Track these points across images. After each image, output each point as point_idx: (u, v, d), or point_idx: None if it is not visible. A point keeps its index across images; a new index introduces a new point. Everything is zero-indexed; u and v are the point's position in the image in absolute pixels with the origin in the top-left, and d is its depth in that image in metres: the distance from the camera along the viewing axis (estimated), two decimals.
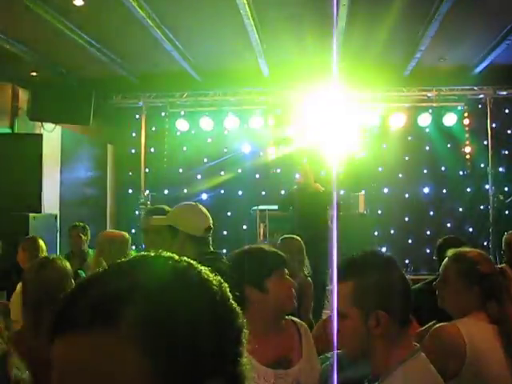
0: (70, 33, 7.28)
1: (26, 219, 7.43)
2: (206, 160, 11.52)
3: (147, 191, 11.04)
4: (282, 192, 9.91)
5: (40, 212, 7.98)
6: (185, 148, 11.71)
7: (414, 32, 7.62)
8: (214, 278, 0.95)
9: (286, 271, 2.58)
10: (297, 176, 8.21)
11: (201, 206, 3.43)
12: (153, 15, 6.89)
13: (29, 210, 7.67)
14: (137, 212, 10.94)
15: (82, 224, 7.10)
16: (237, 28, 7.29)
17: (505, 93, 10.29)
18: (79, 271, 6.06)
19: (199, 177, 11.69)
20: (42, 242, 5.66)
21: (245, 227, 11.26)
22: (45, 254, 5.58)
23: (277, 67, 9.29)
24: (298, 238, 5.63)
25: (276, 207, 9.16)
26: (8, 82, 8.81)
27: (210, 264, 2.78)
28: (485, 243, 10.76)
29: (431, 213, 11.36)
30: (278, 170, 11.04)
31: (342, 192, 8.55)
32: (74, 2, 6.31)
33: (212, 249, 3.40)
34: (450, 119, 10.46)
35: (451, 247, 4.15)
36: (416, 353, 1.89)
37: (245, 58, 8.45)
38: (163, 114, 11.20)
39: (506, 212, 10.43)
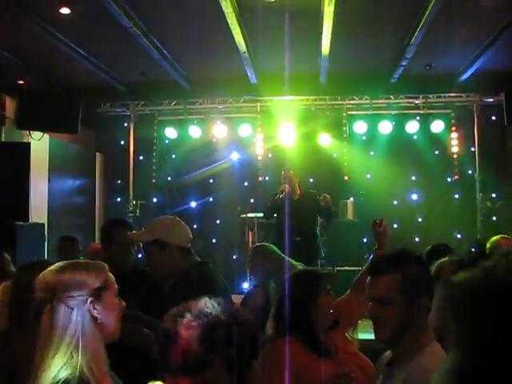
0: (56, 41, 7.27)
1: (13, 228, 7.40)
2: (194, 168, 11.50)
3: (136, 200, 11.00)
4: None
5: (27, 221, 7.94)
6: (173, 156, 11.71)
7: (400, 40, 7.66)
8: None
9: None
10: (285, 185, 8.16)
11: (178, 219, 3.44)
12: (140, 24, 6.89)
13: (16, 218, 7.64)
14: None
15: (72, 236, 6.98)
16: (224, 37, 7.30)
17: (491, 100, 10.36)
18: None
19: (188, 185, 11.67)
20: (6, 255, 5.60)
21: (234, 235, 11.24)
22: (11, 266, 5.54)
23: (264, 76, 9.31)
24: (270, 245, 5.63)
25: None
26: None
27: (209, 274, 2.75)
28: (472, 249, 10.79)
29: (420, 219, 11.40)
30: (267, 178, 11.04)
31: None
32: (61, 11, 6.30)
33: (197, 257, 3.43)
34: (437, 126, 10.51)
35: (439, 254, 4.19)
36: (433, 339, 2.15)
37: (232, 67, 8.47)
38: (151, 122, 11.19)
39: (494, 218, 10.48)
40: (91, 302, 1.97)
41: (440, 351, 2.13)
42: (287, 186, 8.13)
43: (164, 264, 3.22)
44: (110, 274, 2.11)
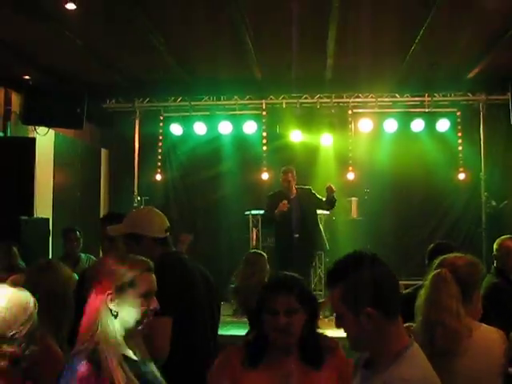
0: (62, 37, 7.28)
1: (17, 222, 7.43)
2: (199, 164, 11.52)
3: (140, 195, 11.01)
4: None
5: (32, 216, 7.98)
6: (178, 152, 11.75)
7: (406, 38, 7.64)
8: None
9: None
10: (285, 203, 8.15)
11: (153, 208, 3.49)
12: (145, 20, 6.89)
13: (21, 213, 7.67)
14: None
15: (77, 228, 7.15)
16: (230, 33, 7.31)
17: (497, 98, 10.33)
18: (74, 274, 6.09)
19: (192, 181, 11.69)
20: (14, 249, 5.65)
21: (238, 232, 11.26)
22: (19, 259, 5.59)
23: (270, 73, 9.31)
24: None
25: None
26: (0, 85, 8.81)
27: (181, 261, 2.75)
28: (477, 248, 10.78)
29: (424, 218, 11.38)
30: (272, 175, 11.03)
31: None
32: (66, 6, 6.30)
33: (173, 248, 3.49)
34: (443, 125, 10.51)
35: (442, 253, 4.19)
36: (411, 345, 2.09)
37: (238, 64, 8.47)
38: (157, 118, 11.20)
39: (499, 217, 10.45)
40: (109, 294, 2.21)
41: (416, 359, 2.08)
42: (286, 203, 8.10)
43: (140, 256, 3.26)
44: (146, 274, 2.32)
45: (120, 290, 2.24)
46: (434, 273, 2.83)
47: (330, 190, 8.18)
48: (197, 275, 3.35)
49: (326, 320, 9.03)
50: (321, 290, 10.07)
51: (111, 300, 2.22)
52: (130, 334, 2.28)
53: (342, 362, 2.67)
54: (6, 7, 6.34)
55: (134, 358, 2.28)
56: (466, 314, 2.73)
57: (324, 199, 8.31)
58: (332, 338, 2.78)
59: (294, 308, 2.62)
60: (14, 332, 1.80)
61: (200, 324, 3.23)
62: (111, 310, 2.21)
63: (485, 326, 2.81)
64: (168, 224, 3.40)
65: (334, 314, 2.16)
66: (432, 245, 4.69)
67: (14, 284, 4.62)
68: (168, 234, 3.38)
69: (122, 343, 2.23)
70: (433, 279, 2.79)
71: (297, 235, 8.19)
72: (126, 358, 2.22)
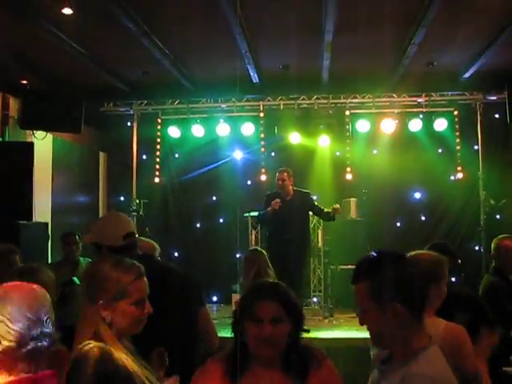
0: (59, 41, 7.29)
1: (16, 227, 7.43)
2: (198, 167, 11.53)
3: (139, 199, 11.02)
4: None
5: (31, 220, 7.98)
6: (177, 155, 11.76)
7: (402, 38, 7.65)
8: None
9: None
10: (277, 201, 8.20)
11: (118, 214, 3.44)
12: (142, 24, 6.91)
13: (20, 218, 7.67)
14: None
15: (76, 232, 7.17)
16: (226, 36, 7.31)
17: (494, 98, 10.35)
18: (73, 278, 6.11)
19: (191, 183, 11.70)
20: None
21: (237, 234, 11.27)
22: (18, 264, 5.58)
23: (267, 75, 9.33)
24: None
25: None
26: None
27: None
28: (476, 248, 10.81)
29: (423, 218, 11.41)
30: (270, 176, 11.04)
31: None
32: (63, 11, 6.31)
33: (140, 253, 3.36)
34: (440, 124, 10.52)
35: (438, 253, 4.20)
36: (432, 344, 2.17)
37: (235, 66, 8.48)
38: (155, 121, 11.21)
39: (497, 216, 10.47)
40: (101, 304, 2.31)
41: (436, 357, 2.15)
42: (279, 201, 8.17)
43: None
44: (139, 281, 2.40)
45: (112, 300, 2.32)
46: None
47: (336, 212, 8.30)
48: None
49: (326, 321, 9.09)
50: (320, 291, 10.10)
51: (104, 309, 2.30)
52: (125, 334, 2.39)
53: (329, 374, 2.53)
54: (4, 12, 6.35)
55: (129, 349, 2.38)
56: None
57: (325, 210, 8.40)
58: (319, 349, 2.66)
59: (279, 317, 2.44)
60: (47, 317, 1.86)
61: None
62: (104, 319, 2.29)
63: (430, 320, 2.78)
64: (129, 230, 3.28)
65: (358, 310, 2.21)
66: (428, 245, 4.69)
67: None
68: (127, 240, 3.23)
69: (119, 347, 2.31)
70: None
71: (286, 237, 8.20)
72: (127, 349, 2.34)
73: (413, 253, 3.18)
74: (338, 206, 8.38)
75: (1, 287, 1.85)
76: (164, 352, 2.69)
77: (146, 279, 2.45)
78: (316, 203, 8.63)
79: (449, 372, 2.12)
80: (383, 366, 2.25)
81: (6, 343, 1.75)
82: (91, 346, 2.19)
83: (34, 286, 1.92)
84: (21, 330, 1.76)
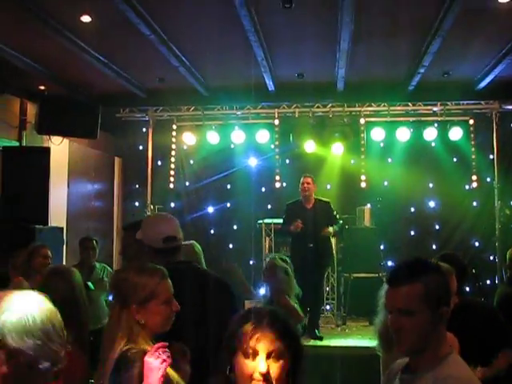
0: (77, 48, 7.36)
1: (32, 231, 7.50)
2: (212, 173, 11.58)
3: (153, 204, 11.08)
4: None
5: (47, 225, 8.05)
6: (191, 161, 11.82)
7: (418, 48, 7.65)
8: None
9: None
10: (298, 223, 8.36)
11: (165, 217, 3.52)
12: (159, 32, 6.96)
13: (35, 222, 7.74)
14: None
15: (94, 238, 7.24)
16: (242, 44, 7.35)
17: (510, 107, 10.32)
18: (88, 283, 6.17)
19: (206, 190, 11.76)
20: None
21: (251, 241, 11.29)
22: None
23: (282, 82, 9.35)
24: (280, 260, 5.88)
25: (281, 221, 9.22)
26: (16, 95, 8.94)
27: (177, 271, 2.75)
28: (491, 258, 10.74)
29: (437, 227, 11.37)
30: (284, 184, 11.08)
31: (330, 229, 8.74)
32: (82, 19, 6.39)
33: (181, 258, 3.42)
34: (455, 133, 10.48)
35: (447, 263, 4.20)
36: (453, 350, 2.23)
37: (250, 74, 8.51)
38: (170, 127, 11.27)
39: None
40: (133, 307, 2.51)
41: (461, 362, 2.19)
42: (301, 225, 8.34)
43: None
44: (163, 283, 2.58)
45: (143, 302, 2.52)
46: None
47: (325, 233, 8.52)
48: (191, 287, 3.21)
49: (339, 329, 9.08)
50: (333, 299, 10.08)
51: (137, 312, 2.51)
52: (157, 333, 2.56)
53: None
54: (23, 20, 6.44)
55: None
56: None
57: (337, 217, 8.56)
58: None
59: (278, 350, 1.91)
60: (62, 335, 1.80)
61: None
62: (138, 321, 2.50)
63: None
64: (169, 234, 3.30)
65: (391, 313, 2.21)
66: (437, 256, 4.63)
67: (17, 287, 4.71)
68: (167, 244, 3.28)
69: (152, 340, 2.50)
70: None
71: (311, 245, 8.31)
72: None
73: None
74: (327, 229, 8.50)
75: (24, 299, 1.74)
76: (184, 346, 2.74)
77: (169, 281, 2.62)
78: (334, 213, 8.73)
79: (473, 374, 2.19)
80: (405, 376, 2.25)
81: (44, 364, 1.67)
82: (135, 350, 2.39)
83: (49, 305, 1.82)
84: (57, 349, 1.70)
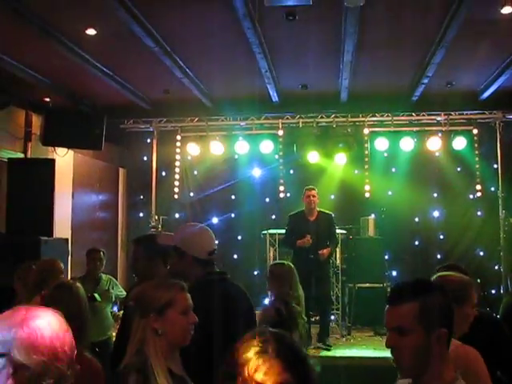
0: (82, 61, 7.41)
1: (37, 243, 7.51)
2: (216, 184, 11.62)
3: (158, 215, 11.10)
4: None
5: (51, 236, 8.06)
6: (195, 172, 11.84)
7: (422, 58, 7.68)
8: None
9: None
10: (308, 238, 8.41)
11: (206, 229, 3.54)
12: (164, 44, 7.00)
13: (40, 234, 7.76)
14: None
15: (102, 249, 7.23)
16: (246, 55, 7.38)
17: None
18: (95, 294, 6.18)
19: (210, 201, 11.78)
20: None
21: (255, 251, 11.31)
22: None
23: (286, 93, 9.39)
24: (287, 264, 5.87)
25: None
26: (21, 107, 8.99)
27: (216, 284, 2.82)
28: (496, 267, 10.72)
29: (441, 236, 11.36)
30: (288, 194, 11.09)
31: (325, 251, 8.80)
32: (87, 32, 6.44)
33: (217, 269, 3.51)
34: (459, 143, 10.48)
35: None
36: (459, 376, 2.13)
37: (254, 85, 8.55)
38: (174, 138, 11.30)
39: None
40: (152, 316, 2.52)
41: None
42: (309, 239, 8.40)
43: (179, 270, 3.34)
44: (181, 294, 2.61)
45: (162, 311, 2.53)
46: None
47: (320, 255, 8.50)
48: (230, 297, 3.33)
49: (344, 339, 9.06)
50: (338, 310, 10.06)
51: (155, 321, 2.52)
52: (172, 350, 2.55)
53: None
54: (29, 32, 6.49)
55: (177, 372, 2.54)
56: None
57: (336, 234, 8.78)
58: None
59: (284, 381, 1.57)
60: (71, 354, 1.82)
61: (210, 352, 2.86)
62: (156, 330, 2.51)
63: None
64: (214, 247, 3.46)
65: (389, 332, 2.17)
66: (439, 267, 4.56)
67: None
68: (211, 256, 3.41)
69: (167, 358, 2.50)
70: None
71: (311, 256, 8.33)
72: (171, 372, 2.49)
73: (440, 274, 3.15)
74: (322, 251, 8.51)
75: (39, 317, 1.76)
76: None
77: (187, 294, 2.65)
78: (335, 227, 8.77)
79: None
80: None
81: (48, 381, 1.68)
82: (133, 373, 2.36)
83: (63, 320, 1.85)
84: (62, 369, 1.73)
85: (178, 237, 3.47)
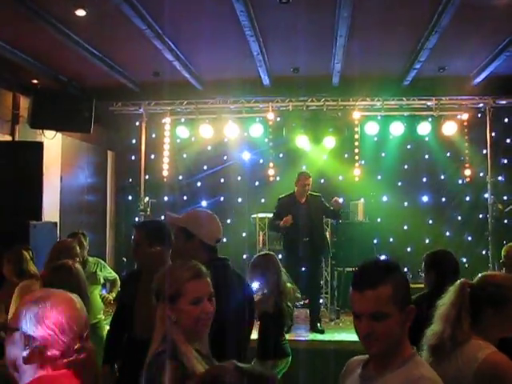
0: (71, 42, 7.30)
1: (26, 227, 7.44)
2: (205, 167, 11.59)
3: (147, 198, 11.03)
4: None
5: (40, 220, 7.98)
6: (185, 155, 11.77)
7: (414, 43, 7.65)
8: None
9: None
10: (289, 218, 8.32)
11: (216, 217, 3.55)
12: (154, 25, 6.91)
13: (29, 217, 7.68)
14: (137, 218, 10.94)
15: (81, 231, 7.16)
16: (237, 38, 7.32)
17: (504, 102, 10.35)
18: None
19: (199, 184, 11.74)
20: (25, 253, 5.69)
21: (244, 235, 11.30)
22: (30, 264, 5.63)
23: (277, 77, 9.32)
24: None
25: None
26: (9, 89, 8.86)
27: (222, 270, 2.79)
28: (483, 252, 10.80)
29: (430, 221, 11.41)
30: (278, 178, 11.06)
31: (341, 200, 8.61)
32: (76, 13, 6.33)
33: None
34: (449, 128, 10.49)
35: (441, 261, 4.16)
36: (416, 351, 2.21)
37: (245, 68, 8.48)
38: (163, 120, 11.21)
39: (505, 221, 10.47)
40: (165, 303, 2.49)
41: (425, 363, 2.21)
42: (290, 219, 8.29)
43: (185, 252, 3.32)
44: (193, 282, 2.52)
45: (173, 299, 2.49)
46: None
47: (336, 205, 8.44)
48: (234, 284, 3.38)
49: (332, 323, 9.10)
50: (327, 293, 10.09)
51: (169, 308, 2.49)
52: (194, 334, 2.50)
53: None
54: (17, 13, 6.36)
55: (204, 353, 2.52)
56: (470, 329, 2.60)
57: (332, 208, 8.48)
58: None
59: None
60: (87, 331, 2.03)
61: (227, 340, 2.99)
62: (170, 317, 2.46)
63: (477, 342, 2.56)
64: (220, 236, 3.49)
65: (360, 318, 2.12)
66: (428, 253, 4.45)
67: (24, 290, 4.71)
68: (217, 244, 3.44)
69: (193, 340, 2.48)
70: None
71: (306, 239, 8.33)
72: (199, 353, 2.47)
73: (484, 274, 2.87)
74: (335, 198, 8.50)
75: (51, 296, 1.99)
76: None
77: (207, 280, 2.57)
78: (326, 204, 8.69)
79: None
80: (366, 372, 2.21)
81: (53, 351, 1.90)
82: (168, 361, 2.34)
83: (76, 300, 2.05)
84: (68, 342, 1.92)
85: (187, 219, 3.47)
